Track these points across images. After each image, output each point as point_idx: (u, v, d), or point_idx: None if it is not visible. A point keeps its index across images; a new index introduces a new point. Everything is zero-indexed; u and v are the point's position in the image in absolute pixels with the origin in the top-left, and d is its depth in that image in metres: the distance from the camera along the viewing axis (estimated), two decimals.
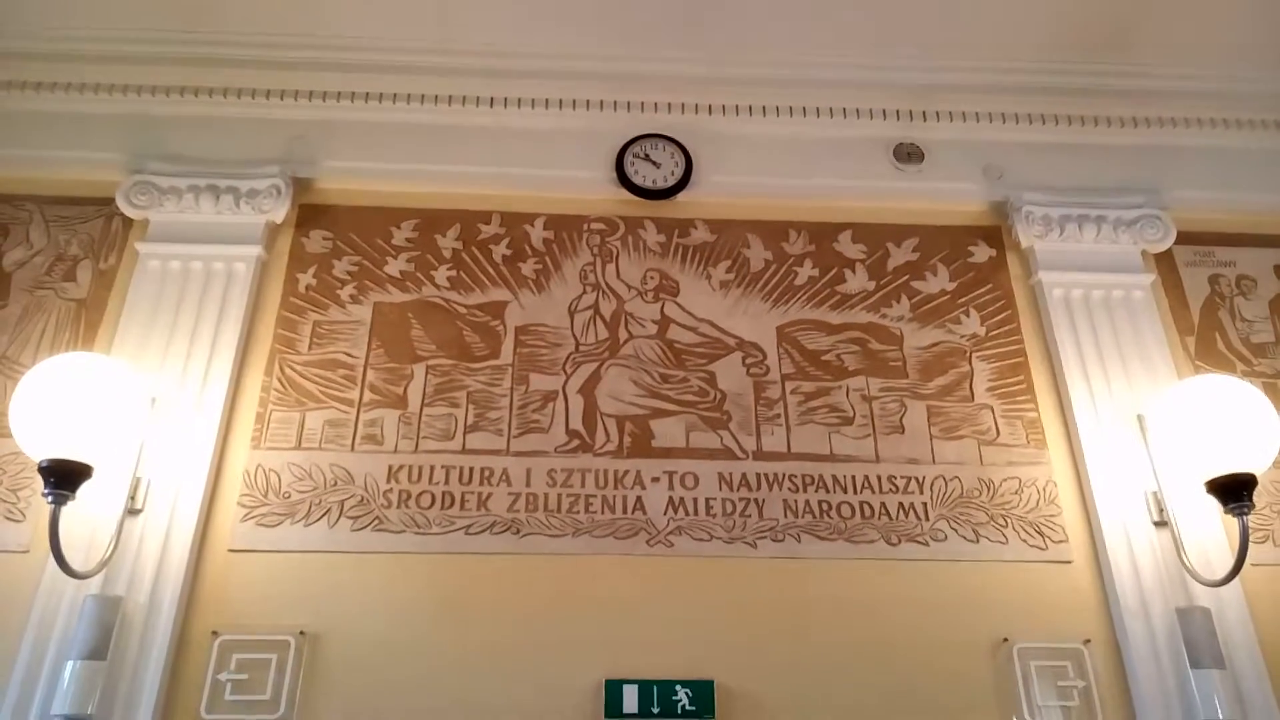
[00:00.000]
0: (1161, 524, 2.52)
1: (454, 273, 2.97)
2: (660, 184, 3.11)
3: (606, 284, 2.99)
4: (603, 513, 2.59)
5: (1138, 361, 2.79)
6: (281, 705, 2.24)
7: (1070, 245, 2.99)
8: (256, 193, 2.96)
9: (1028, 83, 3.20)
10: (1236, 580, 2.39)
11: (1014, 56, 3.17)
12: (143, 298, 2.78)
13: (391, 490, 2.58)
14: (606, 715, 2.27)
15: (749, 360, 2.87)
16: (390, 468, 2.61)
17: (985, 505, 2.63)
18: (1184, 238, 3.04)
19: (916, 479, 2.67)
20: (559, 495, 2.61)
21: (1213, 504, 2.38)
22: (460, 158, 3.13)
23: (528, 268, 3.00)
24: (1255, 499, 2.41)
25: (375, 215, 3.06)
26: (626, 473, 2.66)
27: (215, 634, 2.32)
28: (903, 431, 2.75)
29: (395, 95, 3.20)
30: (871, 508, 2.62)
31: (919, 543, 2.57)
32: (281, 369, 2.76)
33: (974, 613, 2.47)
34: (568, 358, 2.84)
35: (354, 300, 2.90)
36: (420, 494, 2.58)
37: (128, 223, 2.96)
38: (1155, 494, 2.55)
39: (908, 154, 3.19)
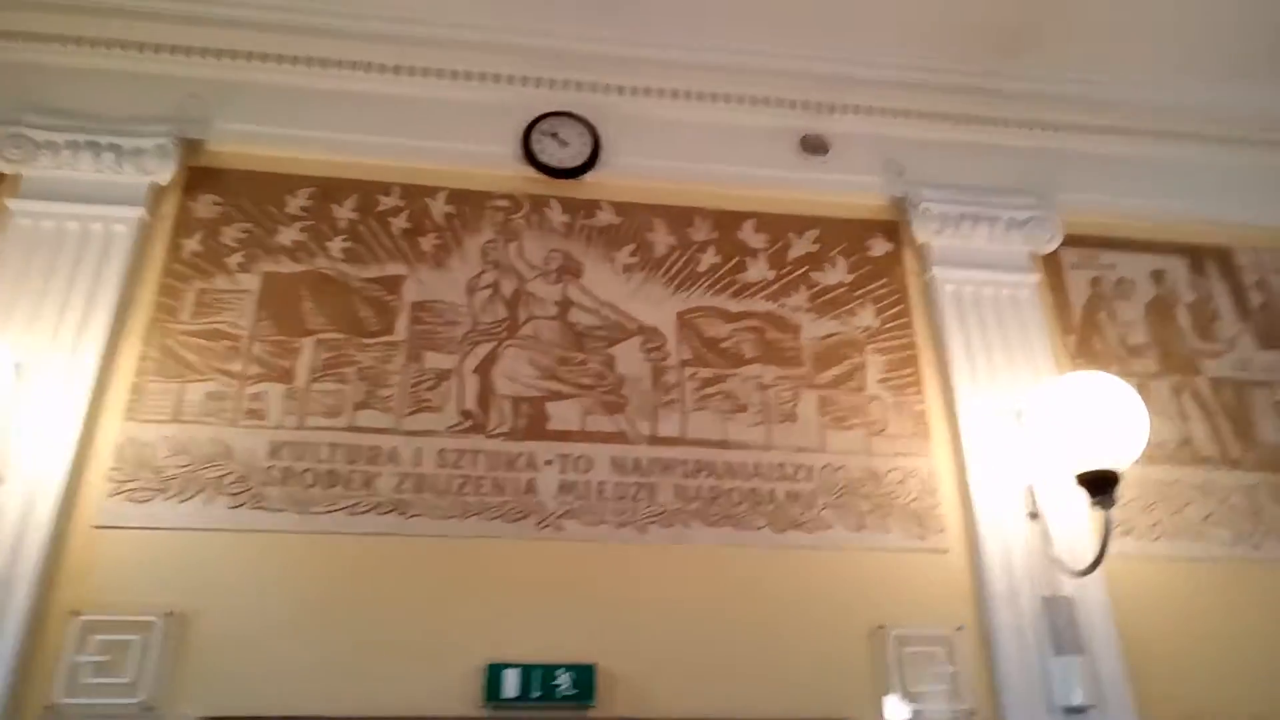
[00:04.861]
0: (1034, 515, 2.62)
1: (350, 245, 2.89)
2: (567, 163, 3.07)
3: (508, 263, 2.95)
4: (493, 495, 2.57)
5: (1021, 358, 2.88)
6: (144, 688, 2.15)
7: (963, 243, 3.06)
8: (141, 151, 2.82)
9: (931, 81, 3.26)
10: (1100, 571, 2.50)
11: (920, 54, 3.22)
12: (11, 258, 2.62)
13: (273, 467, 2.50)
14: (486, 699, 2.26)
15: (649, 345, 2.87)
16: (273, 444, 2.53)
17: (870, 495, 2.69)
18: (1070, 240, 3.15)
19: (806, 467, 2.71)
20: (449, 476, 2.57)
21: (1083, 497, 2.48)
22: (361, 126, 3.04)
23: (427, 243, 2.93)
24: (1122, 494, 2.53)
25: (269, 182, 2.94)
26: (520, 455, 2.63)
27: (75, 614, 2.22)
28: (795, 420, 2.79)
29: (295, 58, 3.08)
30: (761, 495, 2.66)
31: (804, 530, 2.62)
32: (161, 338, 2.65)
33: (853, 599, 2.53)
34: (465, 336, 2.79)
35: (242, 269, 2.80)
36: (304, 472, 2.51)
37: None
38: (1030, 487, 2.65)
39: (813, 145, 3.22)
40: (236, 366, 2.63)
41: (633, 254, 3.01)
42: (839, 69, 3.24)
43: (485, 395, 2.71)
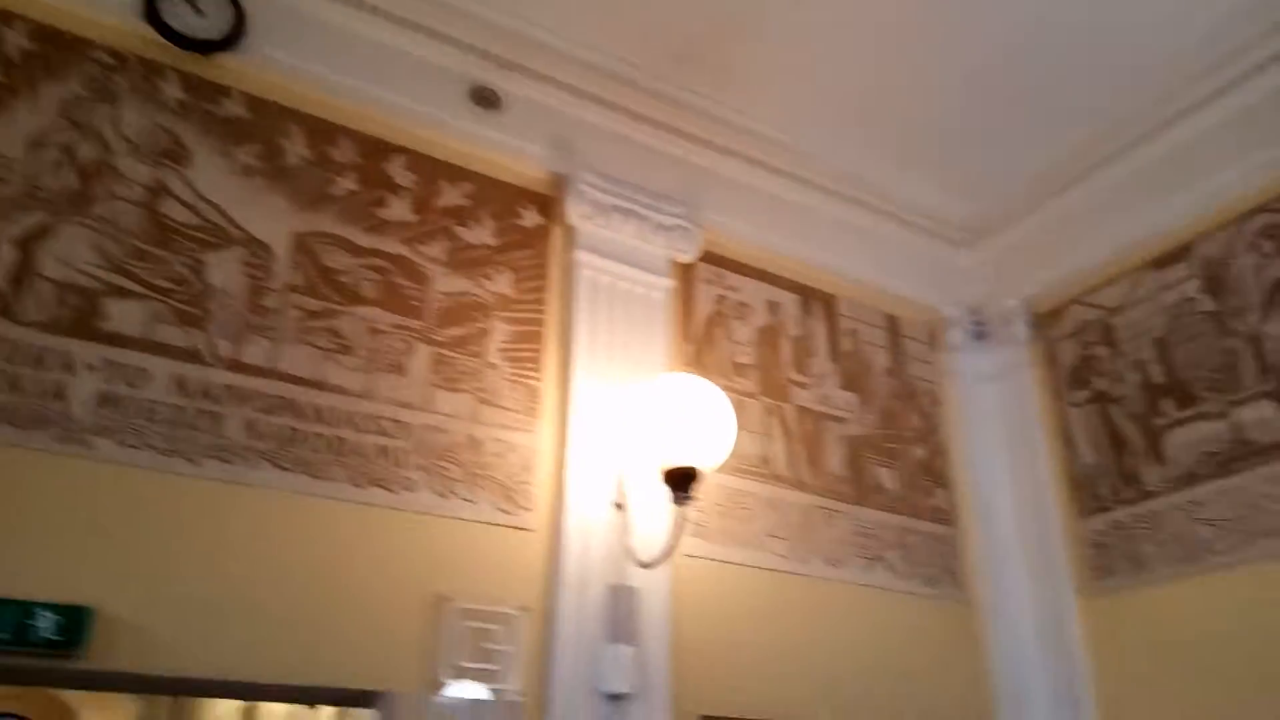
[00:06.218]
0: (619, 506, 2.66)
1: None
2: (199, 34, 2.63)
3: (95, 127, 2.44)
4: (7, 393, 2.08)
5: (640, 355, 2.93)
6: None
7: (611, 234, 3.07)
8: None
9: (615, 69, 3.24)
10: (667, 566, 2.59)
11: (610, 40, 3.17)
12: None
13: None
14: None
15: (252, 260, 2.52)
16: None
17: (466, 463, 2.57)
18: (707, 256, 3.28)
19: (404, 424, 2.53)
20: None
21: (665, 493, 2.54)
22: None
23: None
24: (703, 498, 2.64)
25: None
26: (53, 351, 2.17)
27: None
28: (403, 373, 2.59)
29: None
30: (347, 445, 2.43)
31: (387, 489, 2.43)
32: None
33: (425, 568, 2.39)
34: (12, 198, 2.26)
35: None
36: None
37: None
38: (620, 477, 2.69)
39: (485, 98, 3.06)
40: None
41: (258, 156, 2.65)
42: (526, 30, 3.10)
43: (24, 273, 2.21)
